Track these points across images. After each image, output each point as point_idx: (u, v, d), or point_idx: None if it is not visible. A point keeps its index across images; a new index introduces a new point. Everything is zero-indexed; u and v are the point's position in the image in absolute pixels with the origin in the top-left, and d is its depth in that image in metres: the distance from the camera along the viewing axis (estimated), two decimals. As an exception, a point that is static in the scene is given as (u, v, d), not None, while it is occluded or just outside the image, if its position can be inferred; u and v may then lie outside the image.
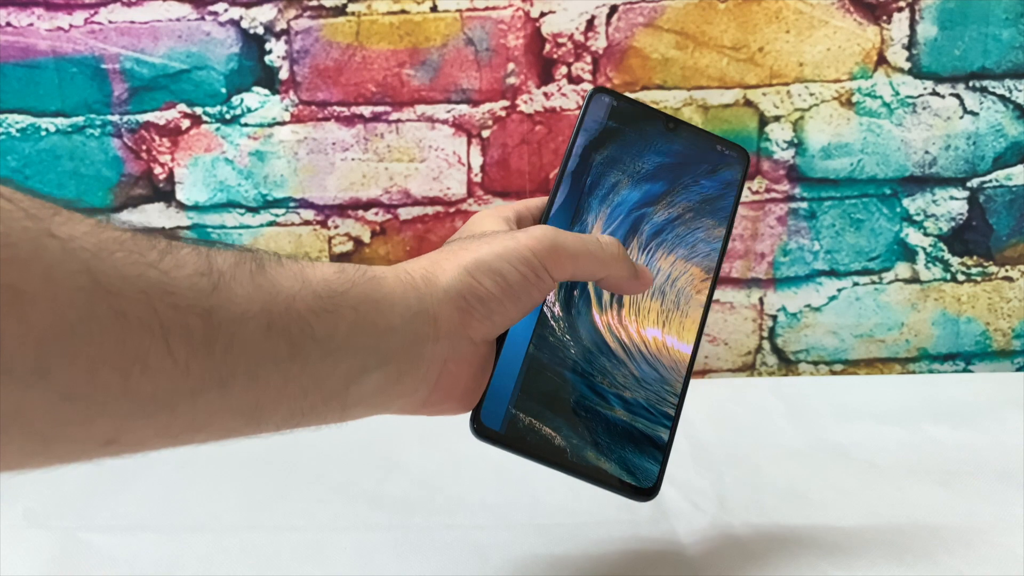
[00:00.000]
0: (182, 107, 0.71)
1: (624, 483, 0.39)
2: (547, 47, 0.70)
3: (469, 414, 0.38)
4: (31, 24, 0.69)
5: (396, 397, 0.36)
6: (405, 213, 0.72)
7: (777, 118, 0.71)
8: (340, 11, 0.69)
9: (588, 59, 0.70)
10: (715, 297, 0.73)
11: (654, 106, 0.45)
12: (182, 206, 0.72)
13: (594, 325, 0.41)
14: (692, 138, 0.44)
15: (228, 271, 0.30)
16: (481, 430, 0.37)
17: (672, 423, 0.41)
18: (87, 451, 0.27)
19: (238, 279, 0.30)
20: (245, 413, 0.30)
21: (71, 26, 0.69)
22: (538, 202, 0.43)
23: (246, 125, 0.71)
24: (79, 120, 0.70)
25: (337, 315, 0.32)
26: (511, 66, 0.70)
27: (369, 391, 0.34)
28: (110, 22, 0.69)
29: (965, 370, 0.75)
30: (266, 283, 0.31)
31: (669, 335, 0.42)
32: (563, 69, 0.70)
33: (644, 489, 0.39)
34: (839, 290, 0.73)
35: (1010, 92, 0.70)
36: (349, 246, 0.73)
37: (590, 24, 0.69)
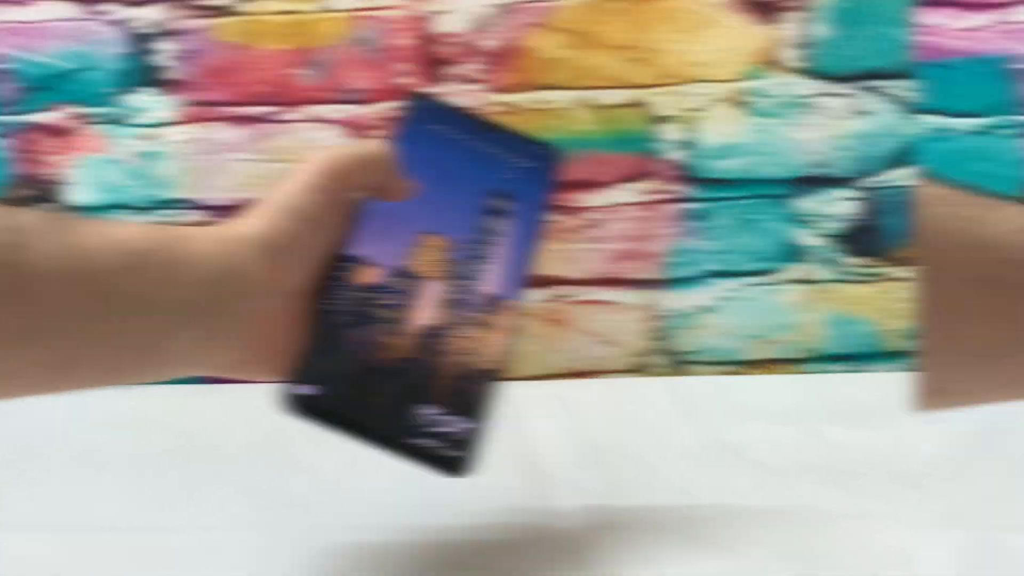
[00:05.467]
0: (70, 108, 0.70)
1: (440, 456, 0.39)
2: (438, 47, 0.69)
3: (281, 388, 0.37)
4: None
5: (209, 355, 0.37)
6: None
7: (669, 118, 0.70)
8: (229, 11, 0.69)
9: (479, 59, 0.69)
10: (606, 298, 0.73)
11: (466, 108, 0.48)
12: (70, 209, 0.71)
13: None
14: (506, 137, 0.46)
15: (32, 229, 0.30)
16: (294, 403, 0.37)
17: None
18: None
19: (43, 237, 0.30)
20: (53, 368, 0.31)
21: (-44, 26, 0.68)
22: None
23: (135, 126, 0.70)
24: (-36, 121, 0.70)
25: (143, 272, 0.33)
26: (401, 66, 0.69)
27: (181, 349, 0.35)
28: (-3, 22, 0.68)
29: (858, 371, 0.75)
30: (71, 241, 0.31)
31: None
32: (454, 69, 0.70)
33: (457, 462, 0.39)
34: (731, 291, 0.73)
35: (903, 93, 0.70)
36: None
37: (481, 24, 0.69)
